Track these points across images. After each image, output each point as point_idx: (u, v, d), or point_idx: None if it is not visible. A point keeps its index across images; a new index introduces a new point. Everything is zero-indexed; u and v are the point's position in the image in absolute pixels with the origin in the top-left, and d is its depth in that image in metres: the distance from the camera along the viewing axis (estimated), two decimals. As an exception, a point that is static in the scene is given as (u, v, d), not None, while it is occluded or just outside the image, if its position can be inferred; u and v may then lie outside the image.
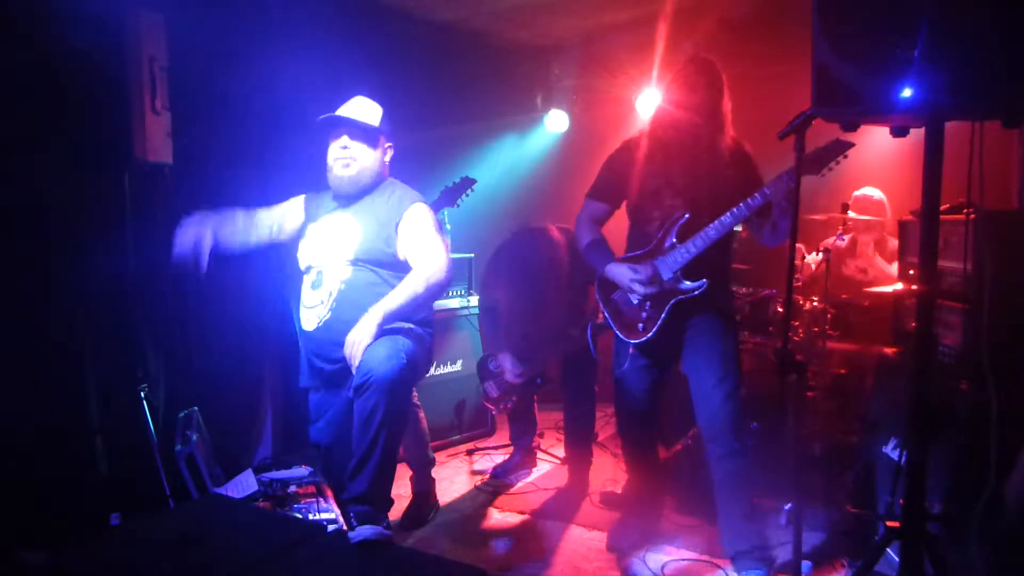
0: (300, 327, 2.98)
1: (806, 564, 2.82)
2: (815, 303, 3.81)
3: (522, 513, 3.48)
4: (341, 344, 2.71)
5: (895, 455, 2.65)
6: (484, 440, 4.60)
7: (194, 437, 3.12)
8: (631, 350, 2.91)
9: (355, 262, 2.88)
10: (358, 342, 2.67)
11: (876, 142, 4.06)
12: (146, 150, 2.97)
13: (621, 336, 2.92)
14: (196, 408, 3.24)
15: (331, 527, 2.84)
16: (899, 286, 3.00)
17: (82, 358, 2.98)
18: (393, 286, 2.88)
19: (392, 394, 2.67)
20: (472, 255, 4.70)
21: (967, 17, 1.64)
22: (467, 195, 3.98)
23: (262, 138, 3.66)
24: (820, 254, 3.83)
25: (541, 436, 4.31)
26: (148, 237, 3.12)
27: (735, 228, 2.76)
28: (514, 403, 3.82)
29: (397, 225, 2.91)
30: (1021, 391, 2.05)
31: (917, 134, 1.90)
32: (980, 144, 1.86)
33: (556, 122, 5.64)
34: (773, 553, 2.78)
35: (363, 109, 2.98)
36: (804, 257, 4.18)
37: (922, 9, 1.65)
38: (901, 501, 1.94)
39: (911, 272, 2.89)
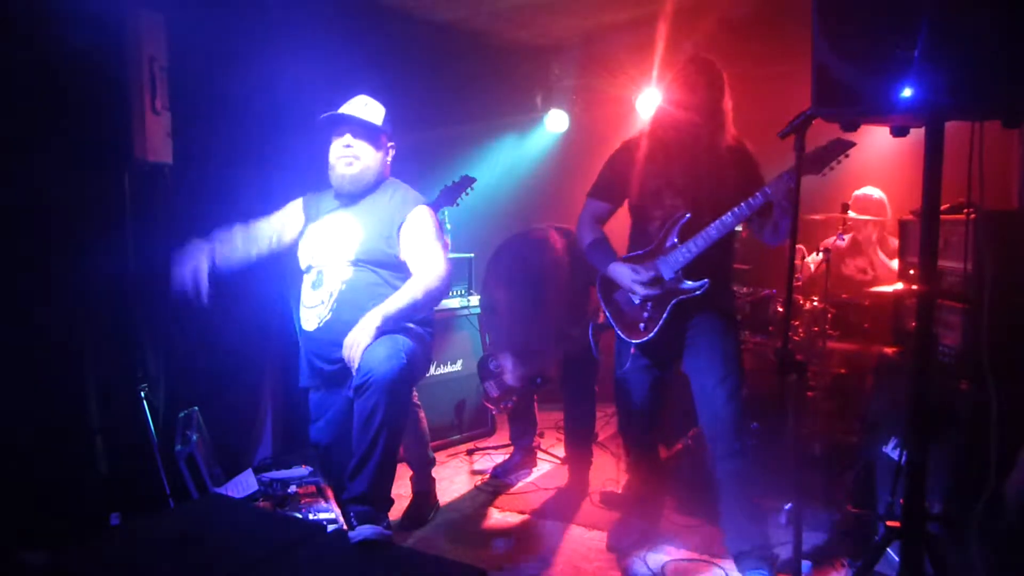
0: (300, 327, 2.98)
1: (806, 564, 2.82)
2: (815, 303, 3.81)
3: (522, 513, 3.48)
4: (341, 344, 2.72)
5: (895, 455, 2.65)
6: (484, 440, 4.60)
7: (194, 437, 3.12)
8: (632, 350, 2.91)
9: (356, 262, 2.89)
10: (357, 344, 2.68)
11: (876, 142, 4.06)
12: (146, 150, 2.97)
13: (623, 336, 2.92)
14: (196, 408, 3.24)
15: (331, 527, 2.84)
16: (899, 286, 3.00)
17: (82, 358, 2.98)
18: (394, 287, 2.88)
19: (392, 394, 2.67)
20: (472, 255, 4.70)
21: (967, 17, 1.64)
22: (466, 194, 3.98)
23: (262, 138, 3.65)
24: (820, 254, 3.83)
25: (541, 436, 4.31)
26: (148, 237, 3.12)
27: (736, 228, 2.76)
28: (514, 403, 3.82)
29: (400, 227, 2.91)
30: (1021, 391, 2.05)
31: (917, 134, 1.90)
32: (980, 144, 1.86)
33: (556, 122, 5.63)
34: (776, 552, 2.78)
35: (366, 107, 2.98)
36: (804, 257, 4.18)
37: (922, 9, 1.65)
38: (901, 501, 1.94)
39: (911, 272, 2.89)
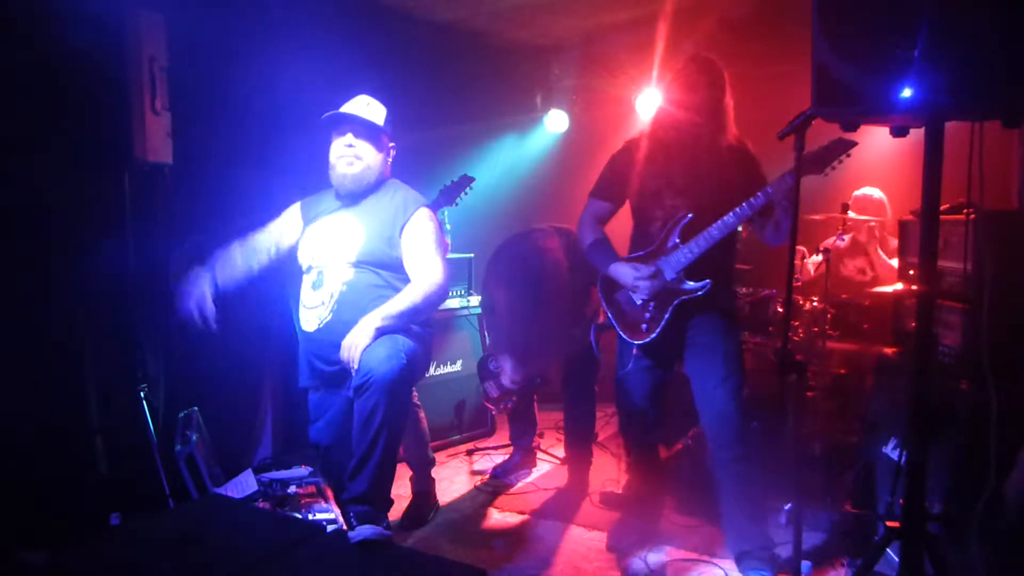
0: (300, 327, 2.98)
1: (806, 564, 2.82)
2: (815, 303, 3.81)
3: (522, 513, 3.48)
4: (340, 346, 2.72)
5: (895, 455, 2.65)
6: (484, 440, 4.60)
7: (194, 437, 3.12)
8: (635, 351, 2.91)
9: (357, 264, 2.88)
10: (355, 345, 2.68)
11: (876, 142, 4.06)
12: (146, 150, 2.97)
13: (625, 337, 2.91)
14: (196, 408, 3.24)
15: (331, 527, 2.84)
16: (899, 286, 3.00)
17: (82, 358, 2.98)
18: (395, 288, 2.89)
19: (392, 394, 2.67)
20: (472, 255, 4.70)
21: (967, 17, 1.64)
22: (466, 193, 3.98)
23: (262, 138, 3.65)
24: (820, 255, 3.83)
25: (541, 436, 4.31)
26: (148, 237, 3.12)
27: (738, 228, 2.75)
28: (514, 403, 3.82)
29: (402, 228, 2.91)
30: (1021, 391, 2.05)
31: (917, 134, 1.90)
32: (980, 144, 1.86)
33: (556, 122, 5.63)
34: (777, 552, 2.78)
35: (368, 107, 2.98)
36: (804, 258, 4.18)
37: (922, 9, 1.65)
38: (901, 501, 1.94)
39: (911, 272, 2.89)
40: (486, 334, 4.33)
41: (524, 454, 4.02)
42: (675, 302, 2.78)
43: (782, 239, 2.73)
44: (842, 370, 3.89)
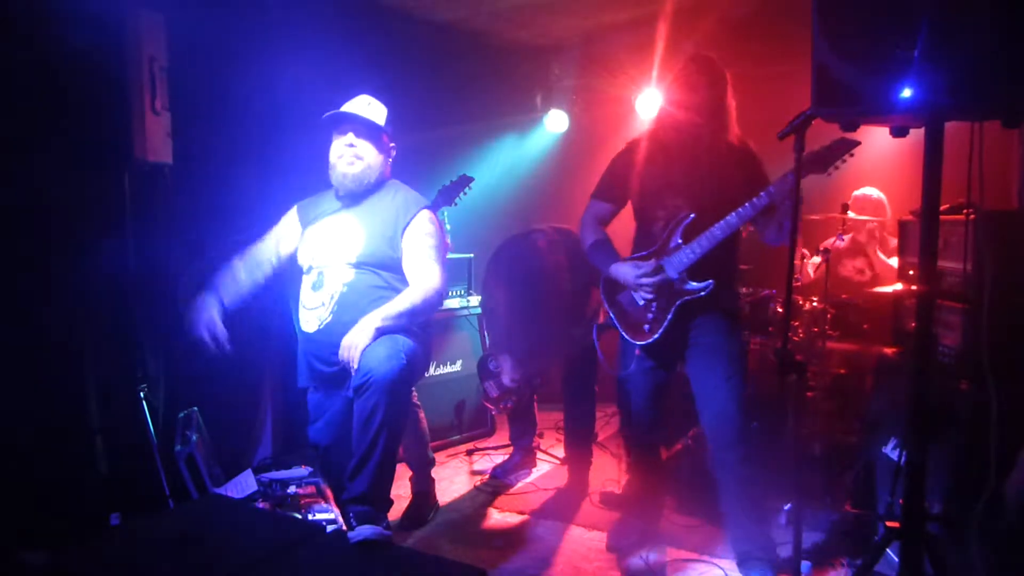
0: (299, 328, 2.98)
1: (806, 564, 2.82)
2: (815, 303, 3.81)
3: (522, 513, 3.48)
4: (339, 346, 2.72)
5: (895, 455, 2.65)
6: (484, 440, 4.60)
7: (194, 437, 3.12)
8: (637, 351, 2.90)
9: (358, 264, 2.88)
10: (355, 345, 2.68)
11: (876, 142, 4.06)
12: (146, 150, 2.97)
13: (627, 337, 2.90)
14: (196, 408, 3.24)
15: (331, 527, 2.84)
16: (899, 286, 3.00)
17: (82, 358, 2.98)
18: (395, 288, 2.89)
19: (392, 394, 2.67)
20: (472, 255, 4.70)
21: (967, 17, 1.64)
22: (464, 193, 3.97)
23: (262, 138, 3.65)
24: (820, 256, 3.83)
25: (541, 436, 4.31)
26: (148, 237, 3.12)
27: (740, 228, 2.75)
28: (514, 403, 3.82)
29: (404, 230, 2.92)
30: (1021, 391, 2.05)
31: (917, 134, 1.90)
32: (980, 144, 1.86)
33: (556, 122, 5.63)
34: (779, 553, 2.78)
35: (370, 107, 2.98)
36: (804, 258, 4.18)
37: (922, 9, 1.65)
38: (901, 501, 1.94)
39: (911, 272, 2.89)
40: (486, 334, 4.33)
41: (524, 454, 4.02)
42: (678, 302, 2.78)
43: (784, 239, 2.72)
44: (842, 370, 3.89)
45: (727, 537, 2.87)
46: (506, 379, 3.70)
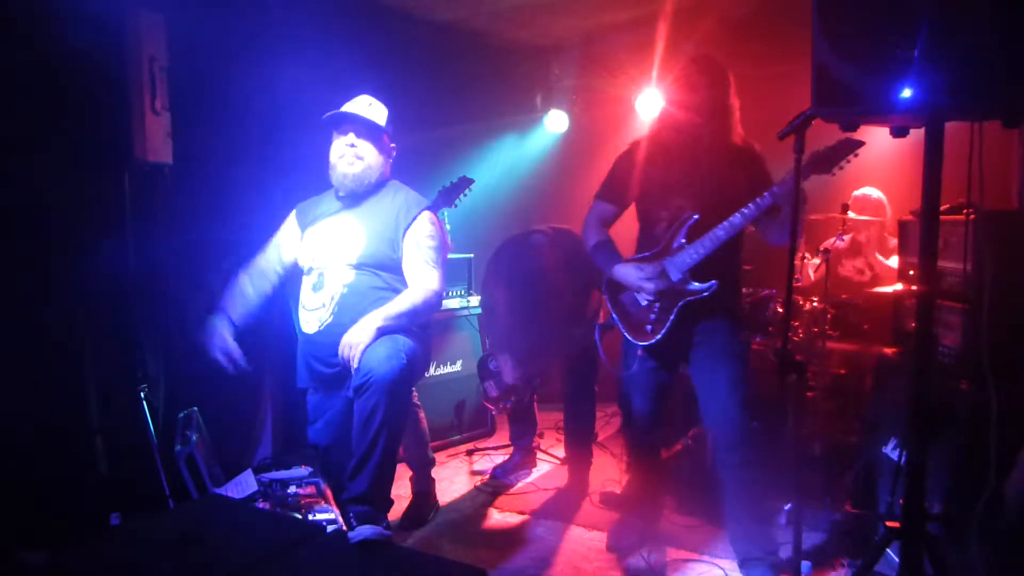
0: (299, 329, 2.98)
1: (806, 564, 2.82)
2: (815, 303, 3.81)
3: (522, 513, 3.48)
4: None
5: (895, 455, 2.65)
6: (484, 440, 4.60)
7: (194, 437, 3.12)
8: (640, 352, 2.89)
9: (358, 265, 2.88)
10: (355, 344, 2.68)
11: (876, 142, 4.03)
12: (146, 150, 2.97)
13: (629, 338, 2.90)
14: (196, 408, 3.24)
15: (331, 527, 2.84)
16: (899, 286, 3.00)
17: (82, 358, 2.98)
18: (396, 289, 2.89)
19: (392, 394, 2.67)
20: (472, 255, 4.70)
21: (967, 17, 1.64)
22: (464, 195, 3.96)
23: (262, 138, 3.65)
24: (819, 256, 3.83)
25: (541, 436, 4.31)
26: (148, 237, 3.12)
27: (744, 228, 2.74)
28: (513, 403, 3.82)
29: (405, 231, 2.92)
30: (1021, 391, 2.05)
31: (917, 134, 1.90)
32: (980, 144, 1.86)
33: (556, 122, 5.63)
34: (781, 555, 2.78)
35: (370, 107, 2.98)
36: (804, 257, 4.18)
37: (922, 9, 1.65)
38: (901, 501, 1.94)
39: (911, 272, 2.89)
40: (486, 335, 4.33)
41: (524, 454, 4.02)
42: (680, 303, 2.77)
43: (787, 239, 2.72)
44: (842, 370, 3.89)
45: (728, 537, 2.87)
46: (508, 377, 3.70)
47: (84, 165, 2.96)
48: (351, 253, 2.89)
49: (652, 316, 2.83)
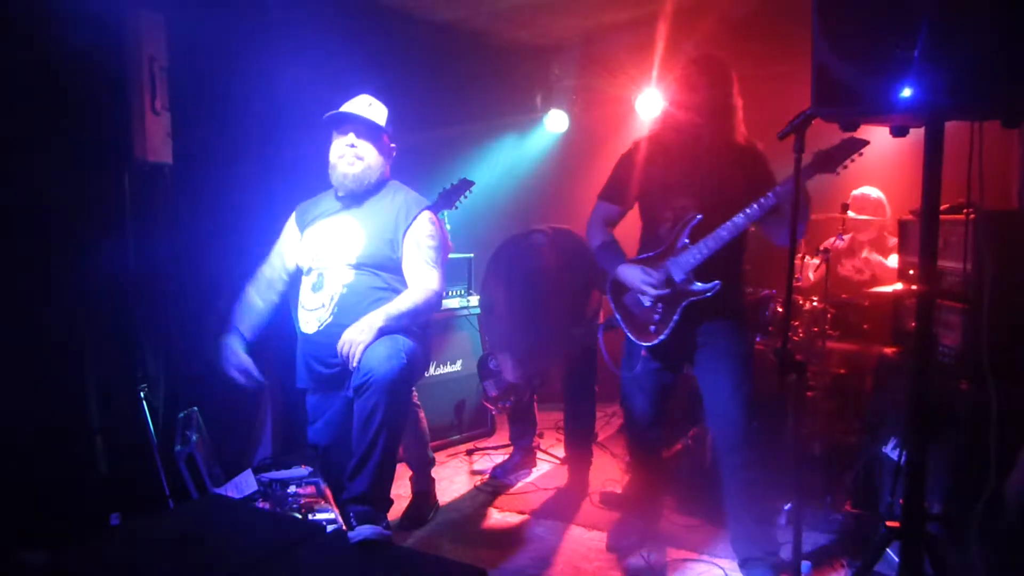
0: (299, 329, 2.98)
1: (806, 564, 2.82)
2: (815, 303, 3.81)
3: (522, 513, 3.48)
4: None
5: (895, 455, 2.65)
6: (484, 440, 4.60)
7: (194, 437, 3.12)
8: (643, 352, 2.89)
9: (358, 266, 2.88)
10: (356, 342, 2.68)
11: (876, 142, 4.03)
12: (146, 150, 2.97)
13: (633, 338, 2.89)
14: (196, 408, 3.24)
15: (331, 527, 2.84)
16: (899, 286, 3.00)
17: (82, 358, 2.98)
18: (396, 290, 2.89)
19: (392, 394, 2.67)
20: (472, 255, 4.70)
21: (967, 17, 1.64)
22: (465, 197, 3.97)
23: (262, 138, 3.65)
24: (819, 257, 3.83)
25: (541, 436, 4.31)
26: (148, 237, 3.12)
27: (748, 228, 2.73)
28: (512, 403, 3.82)
29: (405, 232, 2.92)
30: (1021, 391, 2.06)
31: (917, 134, 1.90)
32: (980, 144, 1.86)
33: (556, 122, 5.63)
34: (781, 556, 2.78)
35: (371, 107, 2.98)
36: (804, 257, 4.18)
37: (922, 9, 1.65)
38: (901, 501, 1.94)
39: (911, 272, 2.89)
40: (486, 334, 4.33)
41: (524, 454, 4.02)
42: (684, 303, 2.76)
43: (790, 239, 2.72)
44: (842, 370, 3.89)
45: (729, 537, 2.87)
46: (508, 377, 3.70)
47: (84, 165, 2.96)
48: (351, 253, 2.89)
49: (656, 316, 2.83)
